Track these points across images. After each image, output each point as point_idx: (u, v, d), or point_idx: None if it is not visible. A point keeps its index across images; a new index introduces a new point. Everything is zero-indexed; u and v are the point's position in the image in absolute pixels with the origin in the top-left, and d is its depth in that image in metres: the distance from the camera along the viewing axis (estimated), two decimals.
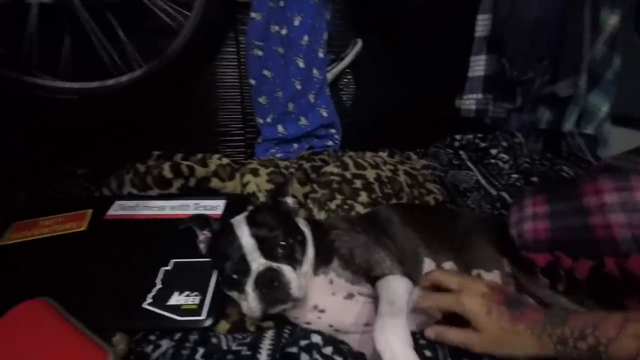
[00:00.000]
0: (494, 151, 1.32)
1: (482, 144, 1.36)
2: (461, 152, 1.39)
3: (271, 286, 0.58)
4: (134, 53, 1.23)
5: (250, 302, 0.59)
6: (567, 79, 1.29)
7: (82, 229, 0.83)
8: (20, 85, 1.14)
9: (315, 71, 1.26)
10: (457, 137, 1.44)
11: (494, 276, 0.73)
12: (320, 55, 1.25)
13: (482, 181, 1.25)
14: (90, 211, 0.87)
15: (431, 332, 0.58)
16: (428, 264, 0.71)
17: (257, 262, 0.60)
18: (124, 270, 0.72)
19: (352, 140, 1.48)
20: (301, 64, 1.22)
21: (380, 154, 1.38)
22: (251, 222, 0.64)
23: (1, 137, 1.11)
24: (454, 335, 0.55)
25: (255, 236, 0.62)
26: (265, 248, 0.61)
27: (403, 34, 1.53)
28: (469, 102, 1.60)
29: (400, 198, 1.09)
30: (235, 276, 0.61)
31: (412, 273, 0.67)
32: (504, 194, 1.13)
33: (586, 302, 0.60)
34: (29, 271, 0.73)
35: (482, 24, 1.48)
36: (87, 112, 1.25)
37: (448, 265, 0.72)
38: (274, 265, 0.60)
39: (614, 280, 0.55)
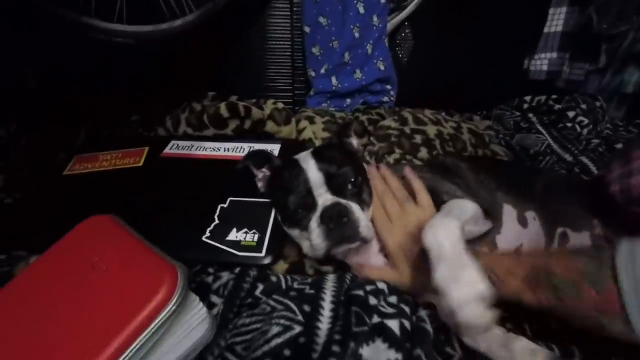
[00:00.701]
0: (571, 114, 1.18)
1: (557, 106, 1.22)
2: (530, 115, 1.26)
3: (339, 222, 0.53)
4: None
5: (315, 238, 0.55)
6: None
7: (139, 164, 0.82)
8: (78, 26, 1.14)
9: (375, 18, 1.16)
10: (527, 98, 1.30)
11: (582, 237, 0.66)
12: (382, 0, 1.15)
13: (554, 146, 1.13)
14: (146, 149, 0.86)
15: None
16: (509, 211, 0.63)
17: (324, 197, 0.56)
18: (181, 204, 0.71)
19: (408, 98, 1.38)
20: (361, 9, 1.13)
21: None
22: (318, 157, 0.59)
23: (61, 75, 1.13)
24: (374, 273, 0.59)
25: (323, 171, 0.57)
26: (333, 184, 0.57)
27: None
28: (541, 62, 1.44)
29: None
30: (299, 210, 0.57)
31: (489, 215, 0.60)
32: (584, 159, 1.01)
33: None
34: (90, 201, 0.73)
35: None
36: (141, 55, 1.24)
37: (530, 215, 0.65)
38: (343, 201, 0.55)
39: None
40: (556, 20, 1.39)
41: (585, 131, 1.16)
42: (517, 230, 0.63)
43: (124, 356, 0.36)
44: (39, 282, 0.43)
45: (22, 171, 0.90)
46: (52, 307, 0.40)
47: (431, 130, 1.02)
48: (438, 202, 0.59)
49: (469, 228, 0.53)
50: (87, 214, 0.57)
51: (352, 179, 0.58)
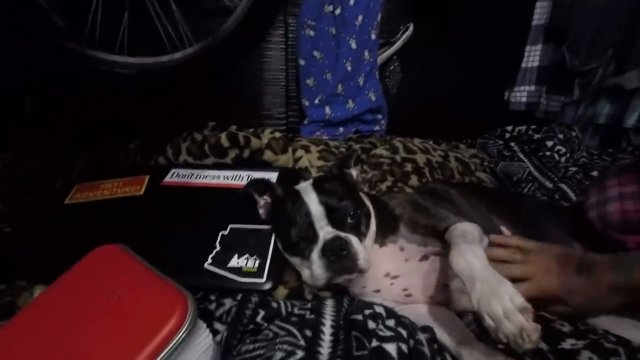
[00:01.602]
0: (549, 143, 1.26)
1: (537, 136, 1.30)
2: (512, 144, 1.33)
3: (339, 255, 0.56)
4: (187, 31, 1.25)
5: (316, 269, 0.58)
6: (637, 69, 1.20)
7: (140, 193, 0.84)
8: (82, 58, 1.18)
9: (366, 53, 1.24)
10: (508, 128, 1.38)
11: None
12: (373, 37, 1.23)
13: (536, 173, 1.19)
14: (147, 177, 0.88)
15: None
16: (505, 232, 0.68)
17: (325, 230, 0.59)
18: (183, 232, 0.73)
19: (397, 127, 1.45)
20: (353, 45, 1.20)
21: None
22: (319, 189, 0.63)
23: (61, 106, 1.16)
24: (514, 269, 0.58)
25: (324, 204, 0.60)
26: (334, 217, 0.60)
27: (456, 20, 1.48)
28: (520, 94, 1.54)
29: None
30: (301, 242, 0.60)
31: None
32: (563, 186, 1.07)
33: None
34: (92, 230, 0.75)
35: (541, 11, 1.41)
36: (142, 86, 1.28)
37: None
38: (342, 234, 0.58)
39: None
40: (532, 56, 1.49)
41: (563, 159, 1.23)
42: None
43: None
44: (51, 312, 0.44)
45: (21, 199, 0.91)
46: (66, 336, 0.41)
47: (421, 158, 1.07)
48: (436, 231, 0.62)
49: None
50: (90, 243, 0.58)
51: (352, 212, 0.61)
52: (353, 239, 0.59)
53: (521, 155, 1.29)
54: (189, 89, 1.36)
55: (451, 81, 1.53)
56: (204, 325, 0.47)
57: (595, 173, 1.15)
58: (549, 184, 1.13)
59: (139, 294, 0.44)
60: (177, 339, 0.40)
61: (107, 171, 0.95)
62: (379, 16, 1.23)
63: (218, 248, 0.69)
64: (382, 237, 0.65)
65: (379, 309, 0.59)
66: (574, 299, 0.55)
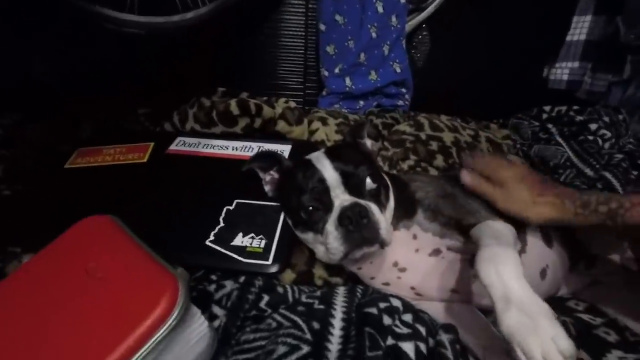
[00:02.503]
0: (593, 126, 1.13)
1: (579, 118, 1.17)
2: (550, 125, 1.21)
3: (359, 223, 0.49)
4: None
5: (332, 242, 0.50)
6: None
7: (143, 160, 0.79)
8: (88, 15, 1.11)
9: (394, 18, 1.12)
10: (546, 108, 1.25)
11: (611, 259, 0.62)
12: (402, 0, 1.11)
13: (575, 159, 1.08)
14: (152, 144, 0.83)
15: (467, 178, 0.60)
16: (533, 229, 0.60)
17: (342, 198, 0.52)
18: (185, 204, 0.68)
19: (422, 103, 1.34)
20: (380, 9, 1.09)
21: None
22: (333, 156, 0.56)
23: (70, 66, 1.10)
24: (485, 187, 0.58)
25: (340, 170, 0.53)
26: (351, 184, 0.53)
27: None
28: (562, 71, 1.40)
29: None
30: (315, 212, 0.53)
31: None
32: (607, 175, 0.96)
33: None
34: (90, 197, 0.70)
35: None
36: (152, 47, 1.21)
37: (554, 234, 0.61)
38: (362, 201, 0.51)
39: None
40: (580, 29, 1.34)
41: (607, 145, 1.11)
42: (543, 250, 0.59)
43: None
44: (28, 289, 0.39)
45: (25, 162, 0.88)
46: (42, 318, 0.36)
47: (448, 137, 0.98)
48: (460, 224, 0.55)
49: None
50: (87, 211, 0.53)
51: (369, 178, 0.54)
52: (373, 207, 0.52)
53: (559, 139, 1.17)
54: (200, 52, 1.28)
55: (484, 54, 1.39)
56: (199, 311, 0.41)
57: None
58: (589, 172, 1.02)
59: (125, 273, 0.39)
60: (165, 327, 0.35)
61: (112, 136, 0.89)
62: None
63: (222, 224, 0.63)
64: (396, 220, 0.57)
65: (396, 302, 0.53)
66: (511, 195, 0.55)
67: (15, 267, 0.52)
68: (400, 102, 1.23)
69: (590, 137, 1.13)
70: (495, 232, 0.48)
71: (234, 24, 1.25)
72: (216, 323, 0.49)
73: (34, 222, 0.64)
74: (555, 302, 0.61)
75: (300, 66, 1.41)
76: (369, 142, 0.67)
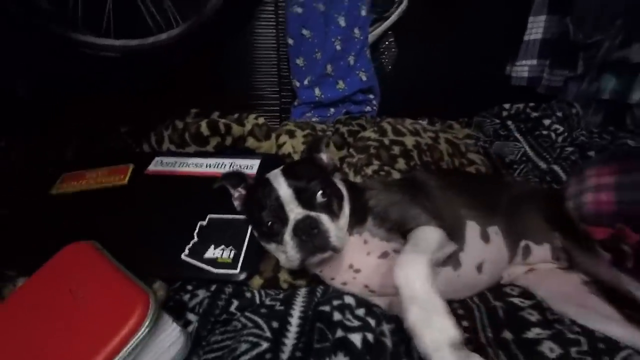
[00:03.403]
0: (547, 122, 1.22)
1: (534, 114, 1.25)
2: (509, 122, 1.29)
3: (310, 233, 0.57)
4: (172, 10, 1.22)
5: (289, 250, 0.58)
6: None
7: (124, 182, 0.86)
8: (66, 42, 1.16)
9: (356, 31, 1.19)
10: (506, 106, 1.34)
11: (543, 249, 0.69)
12: (363, 13, 1.18)
13: (531, 153, 1.17)
14: (131, 166, 0.90)
15: None
16: (472, 228, 0.67)
17: (295, 212, 0.59)
18: (163, 222, 0.75)
19: (391, 106, 1.41)
20: (342, 23, 1.16)
21: (420, 122, 1.32)
22: (288, 174, 0.63)
23: (49, 93, 1.15)
24: None
25: (293, 187, 0.61)
26: (303, 198, 0.60)
27: None
28: (522, 68, 1.48)
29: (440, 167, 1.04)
30: (273, 225, 0.60)
31: (453, 235, 0.64)
32: (556, 168, 1.04)
33: None
34: (76, 220, 0.77)
35: None
36: (129, 69, 1.27)
37: (493, 230, 0.68)
38: (312, 213, 0.59)
39: None
40: (536, 28, 1.42)
41: (560, 139, 1.19)
42: (480, 247, 0.67)
43: None
44: (23, 309, 0.47)
45: (12, 186, 0.93)
46: (37, 330, 0.44)
47: (409, 141, 1.05)
48: (405, 228, 0.62)
49: (437, 256, 0.57)
50: (73, 235, 0.61)
51: (321, 192, 0.61)
52: (323, 217, 0.59)
53: (517, 135, 1.25)
54: (177, 70, 1.34)
55: (449, 57, 1.47)
56: (170, 320, 0.49)
57: (592, 153, 1.12)
58: (543, 165, 1.10)
59: (103, 293, 0.46)
60: (137, 337, 0.42)
61: (94, 158, 0.96)
62: None
63: (196, 239, 0.70)
64: (351, 226, 0.65)
65: (349, 299, 0.60)
66: None
67: (10, 290, 0.58)
68: (368, 108, 1.30)
69: (545, 132, 1.21)
70: (418, 239, 0.56)
71: (207, 42, 1.30)
72: (190, 328, 0.56)
73: (25, 247, 0.71)
74: (495, 289, 0.70)
75: (274, 76, 1.47)
76: (324, 156, 0.74)
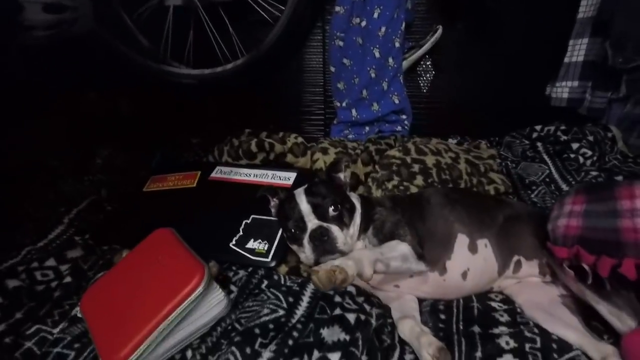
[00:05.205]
0: (575, 145, 1.25)
1: (564, 137, 1.29)
2: (538, 144, 1.34)
3: (322, 240, 0.75)
4: (238, 44, 1.48)
5: (306, 252, 0.77)
6: None
7: (193, 185, 1.12)
8: (157, 73, 1.49)
9: (390, 60, 1.34)
10: (537, 127, 1.38)
11: (533, 265, 0.80)
12: (397, 45, 1.33)
13: (555, 175, 1.21)
14: (199, 172, 1.15)
15: None
16: (462, 240, 0.79)
17: (312, 222, 0.78)
18: (219, 218, 0.98)
19: (425, 125, 1.53)
20: (377, 54, 1.32)
21: (450, 140, 1.42)
22: (308, 192, 0.82)
23: (142, 112, 1.48)
24: None
25: (311, 203, 0.79)
26: (319, 212, 0.79)
27: (490, 17, 1.48)
28: (562, 90, 1.49)
29: (458, 185, 1.14)
30: (296, 232, 0.80)
31: (443, 246, 0.78)
32: None
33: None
34: (160, 212, 1.04)
35: (588, 3, 1.35)
36: (202, 93, 1.56)
37: (483, 242, 0.79)
38: (324, 224, 0.77)
39: (629, 281, 0.58)
40: (577, 50, 1.43)
41: (588, 162, 1.22)
42: (466, 256, 0.79)
43: (169, 320, 0.62)
44: (127, 270, 0.73)
45: (115, 186, 1.25)
46: (134, 285, 0.69)
47: (430, 160, 1.17)
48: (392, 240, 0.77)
49: (396, 264, 0.70)
50: (157, 222, 0.86)
51: (332, 207, 0.79)
52: (333, 227, 0.77)
53: (545, 156, 1.30)
54: (239, 93, 1.61)
55: (483, 79, 1.54)
56: (217, 287, 0.70)
57: (620, 178, 1.14)
58: (565, 188, 1.15)
59: (177, 263, 0.69)
60: (195, 294, 0.64)
61: (173, 165, 1.24)
62: (404, 25, 1.31)
63: (241, 233, 0.92)
64: (359, 232, 0.82)
65: (350, 288, 0.77)
66: None
67: (119, 258, 0.85)
68: (400, 128, 1.44)
69: (572, 155, 1.25)
70: (385, 245, 0.73)
71: (265, 69, 1.55)
72: (231, 295, 0.77)
73: (127, 229, 0.99)
74: (482, 294, 0.81)
75: (321, 95, 1.68)
76: (342, 175, 0.91)
